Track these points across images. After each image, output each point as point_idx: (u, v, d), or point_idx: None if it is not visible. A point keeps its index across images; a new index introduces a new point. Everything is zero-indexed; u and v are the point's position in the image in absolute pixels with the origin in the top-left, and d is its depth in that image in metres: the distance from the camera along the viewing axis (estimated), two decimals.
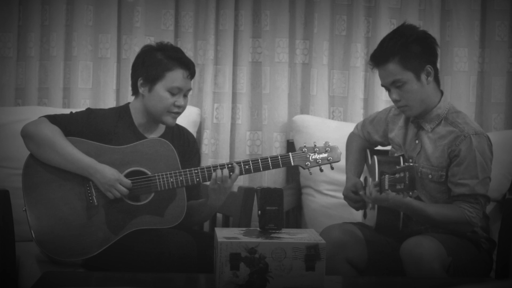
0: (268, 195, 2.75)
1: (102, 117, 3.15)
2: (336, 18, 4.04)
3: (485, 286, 2.02)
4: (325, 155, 3.06)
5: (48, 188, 3.03)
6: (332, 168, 3.09)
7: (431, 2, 4.01)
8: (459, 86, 3.99)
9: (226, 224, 3.48)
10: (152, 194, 3.04)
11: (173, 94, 3.11)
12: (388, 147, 3.33)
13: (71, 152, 3.02)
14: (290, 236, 2.66)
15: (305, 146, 3.07)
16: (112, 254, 2.98)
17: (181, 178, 3.03)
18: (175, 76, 3.10)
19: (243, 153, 4.01)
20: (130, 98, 3.33)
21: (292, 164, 3.06)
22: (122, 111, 3.19)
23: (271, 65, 4.01)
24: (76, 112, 3.17)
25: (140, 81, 3.13)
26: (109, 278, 2.75)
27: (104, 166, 3.01)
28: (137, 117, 3.18)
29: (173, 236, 2.95)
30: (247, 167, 3.04)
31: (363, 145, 3.37)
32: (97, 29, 3.98)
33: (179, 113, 3.15)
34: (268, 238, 2.63)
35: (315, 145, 3.07)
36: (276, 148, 4.02)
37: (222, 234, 2.65)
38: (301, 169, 3.18)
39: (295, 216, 3.89)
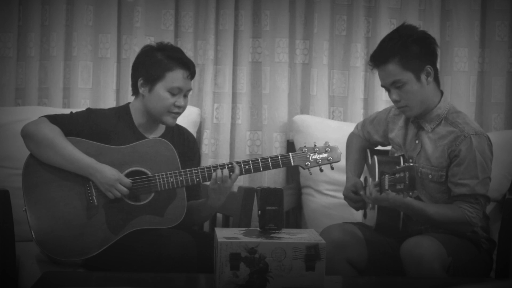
0: (268, 195, 2.75)
1: (102, 117, 3.15)
2: (336, 18, 4.04)
3: (485, 286, 2.02)
4: (325, 155, 3.06)
5: (48, 188, 3.03)
6: (332, 168, 3.09)
7: (431, 2, 4.01)
8: (459, 86, 3.99)
9: (226, 224, 3.48)
10: (152, 194, 3.04)
11: (173, 94, 3.11)
12: (388, 147, 3.33)
13: (71, 152, 3.02)
14: (290, 236, 2.66)
15: (305, 146, 3.06)
16: (112, 254, 2.97)
17: (181, 178, 3.02)
18: (175, 76, 3.10)
19: (243, 153, 4.01)
20: (130, 98, 3.33)
21: (292, 164, 3.06)
22: (122, 111, 3.19)
23: (271, 65, 4.01)
24: (76, 112, 3.17)
25: (140, 81, 3.13)
26: (109, 278, 2.75)
27: (104, 166, 3.01)
28: (137, 117, 3.17)
29: (173, 236, 2.95)
30: (247, 167, 3.04)
31: (363, 145, 3.37)
32: (97, 29, 3.98)
33: (179, 113, 3.15)
34: (268, 238, 2.63)
35: (315, 145, 3.06)
36: (276, 148, 4.01)
37: (222, 234, 2.65)
38: (301, 169, 3.18)
39: (295, 216, 3.89)
